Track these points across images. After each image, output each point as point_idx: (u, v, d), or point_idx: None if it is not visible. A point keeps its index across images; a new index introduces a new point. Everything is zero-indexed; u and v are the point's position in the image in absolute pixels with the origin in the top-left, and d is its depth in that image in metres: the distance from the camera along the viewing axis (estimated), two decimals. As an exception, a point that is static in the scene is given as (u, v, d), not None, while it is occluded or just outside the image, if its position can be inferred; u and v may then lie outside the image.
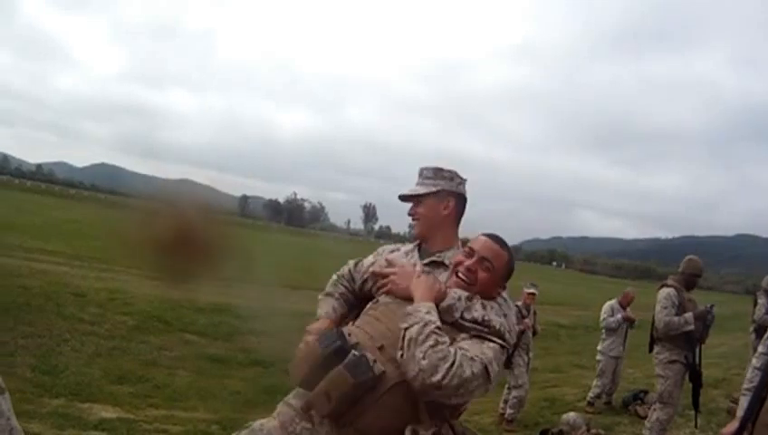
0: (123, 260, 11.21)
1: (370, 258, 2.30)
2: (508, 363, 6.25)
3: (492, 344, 1.73)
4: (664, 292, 5.19)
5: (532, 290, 6.73)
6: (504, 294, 1.96)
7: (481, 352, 1.67)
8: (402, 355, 1.61)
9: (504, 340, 1.77)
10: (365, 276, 2.21)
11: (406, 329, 1.64)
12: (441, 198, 2.18)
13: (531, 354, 6.70)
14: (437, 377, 1.55)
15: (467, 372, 1.59)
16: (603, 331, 7.64)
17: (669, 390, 5.10)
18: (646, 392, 7.25)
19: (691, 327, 5.00)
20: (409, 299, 1.79)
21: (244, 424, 1.80)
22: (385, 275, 2.00)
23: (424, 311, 1.69)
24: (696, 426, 5.54)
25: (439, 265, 2.10)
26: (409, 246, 2.27)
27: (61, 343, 6.62)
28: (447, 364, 1.57)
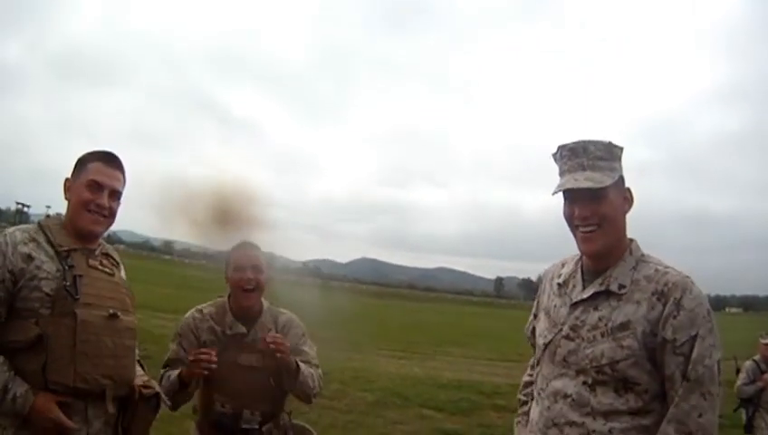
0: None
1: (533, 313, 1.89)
2: (749, 427, 5.73)
3: None
4: None
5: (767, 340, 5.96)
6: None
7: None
8: None
9: None
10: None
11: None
12: (620, 188, 1.58)
13: None
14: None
15: None
16: None
17: None
18: None
19: None
20: None
21: None
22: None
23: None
24: None
25: (607, 295, 1.50)
26: (570, 265, 1.68)
27: (298, 416, 6.72)
28: None
